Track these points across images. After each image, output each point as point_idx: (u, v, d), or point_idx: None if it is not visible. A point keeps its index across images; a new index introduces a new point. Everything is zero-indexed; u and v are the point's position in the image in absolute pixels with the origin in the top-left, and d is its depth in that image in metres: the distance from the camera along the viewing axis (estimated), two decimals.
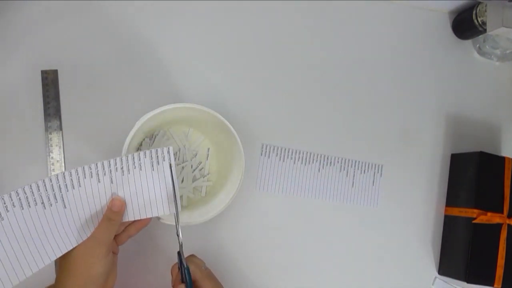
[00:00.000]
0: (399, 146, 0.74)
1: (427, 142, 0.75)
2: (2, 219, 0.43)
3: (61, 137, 0.61)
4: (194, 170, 0.65)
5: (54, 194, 0.46)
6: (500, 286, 0.68)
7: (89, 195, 0.49)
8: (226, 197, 0.58)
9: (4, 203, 0.43)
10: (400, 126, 0.74)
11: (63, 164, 0.61)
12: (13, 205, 0.43)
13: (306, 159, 0.70)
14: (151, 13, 0.66)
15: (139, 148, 0.62)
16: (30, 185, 0.44)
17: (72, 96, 0.62)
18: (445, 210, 0.75)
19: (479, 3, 0.71)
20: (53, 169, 0.61)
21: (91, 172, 0.48)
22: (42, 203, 0.45)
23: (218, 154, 0.64)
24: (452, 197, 0.74)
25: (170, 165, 0.51)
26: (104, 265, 0.48)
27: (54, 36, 0.63)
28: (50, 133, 0.61)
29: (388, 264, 0.72)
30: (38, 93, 0.61)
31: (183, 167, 0.64)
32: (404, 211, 0.73)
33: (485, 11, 0.69)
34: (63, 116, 0.62)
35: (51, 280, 0.51)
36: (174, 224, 0.52)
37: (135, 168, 0.50)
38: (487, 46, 0.77)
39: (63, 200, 0.47)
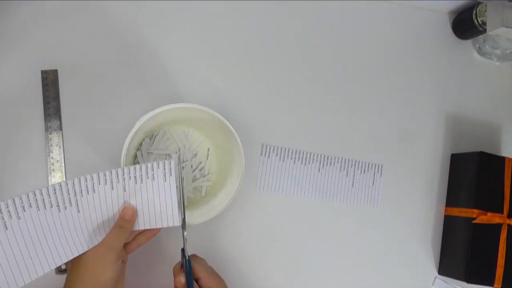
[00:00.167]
0: (399, 146, 0.74)
1: (427, 142, 0.75)
2: (19, 218, 0.44)
3: (61, 137, 0.61)
4: (194, 170, 0.65)
5: (70, 198, 0.47)
6: (500, 286, 0.68)
7: (102, 202, 0.49)
8: (226, 197, 0.58)
9: (22, 203, 0.44)
10: (400, 126, 0.74)
11: (63, 164, 0.61)
12: (30, 205, 0.45)
13: (306, 159, 0.70)
14: (151, 13, 0.66)
15: (139, 148, 0.63)
16: (47, 187, 0.45)
17: (72, 96, 0.62)
18: (445, 210, 0.75)
19: (479, 3, 0.71)
20: (53, 169, 0.61)
21: (105, 179, 0.49)
22: (58, 206, 0.46)
23: (218, 154, 0.64)
24: (452, 197, 0.74)
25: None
26: (113, 271, 0.48)
27: (54, 36, 0.63)
28: (50, 133, 0.61)
29: (388, 264, 0.72)
30: (38, 93, 0.61)
31: (183, 167, 0.64)
32: (404, 211, 0.73)
33: (485, 11, 0.69)
34: (63, 116, 0.62)
35: (61, 284, 0.51)
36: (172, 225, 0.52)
37: (148, 178, 0.50)
38: (487, 46, 0.77)
39: (77, 205, 0.48)
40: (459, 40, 0.78)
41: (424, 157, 0.75)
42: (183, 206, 0.53)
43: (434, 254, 0.74)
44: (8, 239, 0.44)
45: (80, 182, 0.47)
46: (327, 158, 0.71)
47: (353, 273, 0.70)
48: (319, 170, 0.71)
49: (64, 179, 0.61)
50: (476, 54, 0.79)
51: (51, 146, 0.61)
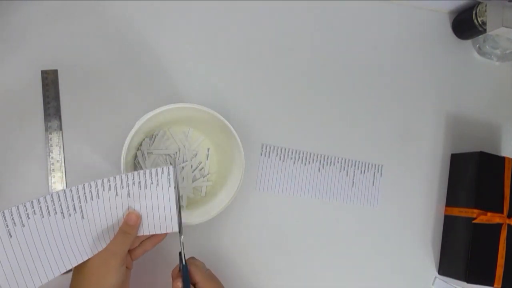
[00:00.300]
0: (399, 146, 0.74)
1: (427, 142, 0.75)
2: (23, 226, 0.44)
3: (61, 137, 0.61)
4: (194, 170, 0.65)
5: (74, 205, 0.47)
6: (500, 286, 0.68)
7: (106, 208, 0.49)
8: (226, 197, 0.58)
9: (26, 211, 0.44)
10: (400, 126, 0.74)
11: (63, 164, 0.61)
12: (34, 212, 0.45)
13: (306, 159, 0.70)
14: (151, 13, 0.66)
15: (139, 148, 0.63)
16: (52, 194, 0.45)
17: (72, 96, 0.62)
18: (445, 210, 0.75)
19: (479, 3, 0.71)
20: (53, 169, 0.61)
21: (109, 184, 0.49)
22: (62, 212, 0.46)
23: (218, 154, 0.65)
24: (452, 197, 0.74)
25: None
26: (117, 277, 0.48)
27: (54, 36, 0.63)
28: (50, 133, 0.61)
29: (388, 264, 0.72)
30: (38, 93, 0.61)
31: (183, 167, 0.64)
32: (404, 211, 0.73)
33: (485, 11, 0.69)
34: (63, 116, 0.62)
35: (62, 285, 0.51)
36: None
37: (152, 183, 0.50)
38: (487, 46, 0.77)
39: (81, 211, 0.48)
40: (459, 40, 0.78)
41: (424, 157, 0.75)
42: (179, 210, 0.52)
43: (434, 254, 0.74)
44: (12, 246, 0.44)
45: (84, 189, 0.47)
46: (327, 158, 0.71)
47: (353, 273, 0.70)
48: (319, 170, 0.71)
49: (64, 179, 0.61)
50: (476, 54, 0.79)
51: (51, 146, 0.61)
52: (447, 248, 0.73)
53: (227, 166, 0.61)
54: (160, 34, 0.66)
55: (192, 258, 0.55)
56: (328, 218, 0.70)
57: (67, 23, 0.63)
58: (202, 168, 0.65)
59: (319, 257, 0.69)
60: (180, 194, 0.64)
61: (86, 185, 0.48)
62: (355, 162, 0.72)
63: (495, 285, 0.67)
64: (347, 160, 0.72)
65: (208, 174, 0.65)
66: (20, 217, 0.44)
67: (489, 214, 0.67)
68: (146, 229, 0.52)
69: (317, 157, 0.71)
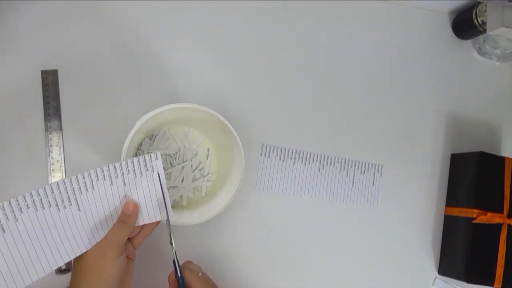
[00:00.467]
0: (399, 146, 0.74)
1: (427, 142, 0.75)
2: (17, 220, 0.44)
3: (61, 137, 0.61)
4: (194, 170, 0.65)
5: (69, 197, 0.47)
6: (500, 286, 0.68)
7: (103, 198, 0.49)
8: (226, 197, 0.58)
9: (19, 205, 0.43)
10: (400, 126, 0.74)
11: (63, 164, 0.61)
12: (27, 206, 0.44)
13: (306, 159, 0.70)
14: (151, 13, 0.66)
15: (139, 148, 0.63)
16: (45, 187, 0.45)
17: (72, 96, 0.62)
18: (445, 210, 0.75)
19: (479, 3, 0.71)
20: (53, 169, 0.61)
21: (103, 174, 0.48)
22: (57, 205, 0.46)
23: (218, 154, 0.65)
24: (452, 197, 0.74)
25: (159, 174, 0.51)
26: (115, 267, 0.48)
27: (54, 36, 0.63)
28: (50, 133, 0.61)
29: (388, 264, 0.72)
30: (38, 93, 0.61)
31: (183, 167, 0.64)
32: (404, 211, 0.73)
33: (485, 11, 0.69)
34: (63, 116, 0.62)
35: (61, 284, 0.51)
36: (173, 225, 0.52)
37: (147, 170, 0.50)
38: (487, 46, 0.77)
39: (77, 203, 0.47)
40: (459, 40, 0.78)
41: (424, 157, 0.75)
42: (168, 220, 0.52)
43: (434, 254, 0.74)
44: (6, 242, 0.43)
45: (78, 180, 0.47)
46: (327, 158, 0.71)
47: (353, 272, 0.70)
48: (319, 170, 0.71)
49: None
50: (476, 54, 0.79)
51: (51, 146, 0.61)
52: (447, 248, 0.73)
53: (227, 166, 0.61)
54: (160, 34, 0.66)
55: (188, 262, 0.55)
56: (328, 218, 0.70)
57: (67, 23, 0.63)
58: (202, 168, 0.65)
59: (319, 257, 0.69)
60: (180, 194, 0.64)
61: (80, 176, 0.47)
62: (355, 162, 0.72)
63: (495, 285, 0.67)
64: (347, 160, 0.72)
65: (208, 174, 0.65)
66: (13, 212, 0.43)
67: (489, 214, 0.67)
68: (146, 218, 0.51)
69: (317, 157, 0.71)
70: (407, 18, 0.76)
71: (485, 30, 0.71)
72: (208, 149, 0.65)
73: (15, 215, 0.43)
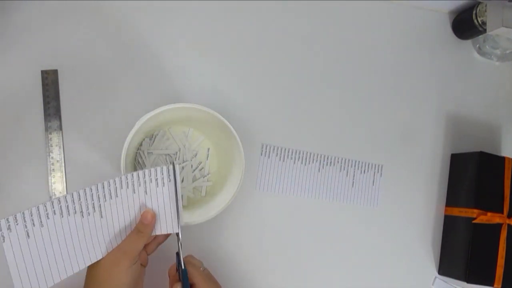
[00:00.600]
0: (399, 146, 0.74)
1: (427, 142, 0.75)
2: (42, 226, 0.44)
3: (61, 137, 0.61)
4: (194, 170, 0.65)
5: (93, 204, 0.47)
6: (500, 286, 0.68)
7: (124, 206, 0.49)
8: (226, 197, 0.58)
9: (46, 210, 0.44)
10: (400, 126, 0.74)
11: (63, 164, 0.61)
12: (54, 212, 0.45)
13: (306, 159, 0.70)
14: (151, 13, 0.66)
15: (139, 148, 0.63)
16: (72, 194, 0.45)
17: (72, 96, 0.62)
18: (445, 210, 0.75)
19: (479, 3, 0.71)
20: (53, 169, 0.61)
21: (127, 182, 0.49)
22: (81, 212, 0.46)
23: (218, 154, 0.65)
24: (452, 197, 0.74)
25: (176, 182, 0.51)
26: (128, 276, 0.48)
27: (54, 36, 0.63)
28: (50, 133, 0.61)
29: (388, 264, 0.72)
30: (38, 93, 0.61)
31: (183, 167, 0.64)
32: (404, 211, 0.73)
33: (485, 11, 0.69)
34: (63, 116, 0.62)
35: (71, 284, 0.51)
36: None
37: (169, 181, 0.50)
38: (487, 46, 0.77)
39: (100, 210, 0.48)
40: (459, 40, 0.78)
41: (424, 157, 0.75)
42: (180, 210, 0.52)
43: (434, 254, 0.74)
44: (29, 247, 0.44)
45: (103, 187, 0.47)
46: (327, 158, 0.71)
47: (353, 273, 0.70)
48: (319, 170, 0.71)
49: (64, 179, 0.61)
50: (476, 54, 0.79)
51: (51, 146, 0.61)
52: (447, 248, 0.73)
53: (227, 166, 0.61)
54: (160, 34, 0.66)
55: (190, 256, 0.55)
56: (328, 218, 0.70)
57: (67, 23, 0.63)
58: (202, 168, 0.65)
59: (319, 257, 0.69)
60: (180, 194, 0.64)
61: (106, 183, 0.47)
62: (355, 162, 0.72)
63: (495, 285, 0.67)
64: (347, 160, 0.72)
65: (208, 174, 0.65)
66: (40, 218, 0.44)
67: (489, 214, 0.67)
68: (163, 228, 0.51)
69: (317, 157, 0.71)
70: (407, 18, 0.76)
71: (485, 30, 0.71)
72: (208, 149, 0.65)
73: (41, 221, 0.44)
